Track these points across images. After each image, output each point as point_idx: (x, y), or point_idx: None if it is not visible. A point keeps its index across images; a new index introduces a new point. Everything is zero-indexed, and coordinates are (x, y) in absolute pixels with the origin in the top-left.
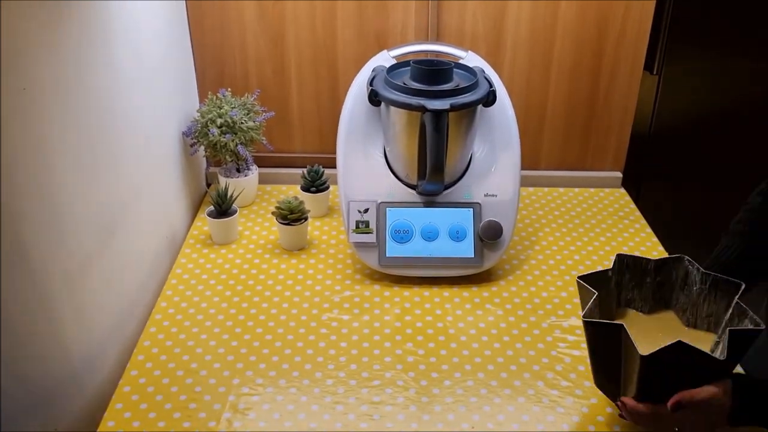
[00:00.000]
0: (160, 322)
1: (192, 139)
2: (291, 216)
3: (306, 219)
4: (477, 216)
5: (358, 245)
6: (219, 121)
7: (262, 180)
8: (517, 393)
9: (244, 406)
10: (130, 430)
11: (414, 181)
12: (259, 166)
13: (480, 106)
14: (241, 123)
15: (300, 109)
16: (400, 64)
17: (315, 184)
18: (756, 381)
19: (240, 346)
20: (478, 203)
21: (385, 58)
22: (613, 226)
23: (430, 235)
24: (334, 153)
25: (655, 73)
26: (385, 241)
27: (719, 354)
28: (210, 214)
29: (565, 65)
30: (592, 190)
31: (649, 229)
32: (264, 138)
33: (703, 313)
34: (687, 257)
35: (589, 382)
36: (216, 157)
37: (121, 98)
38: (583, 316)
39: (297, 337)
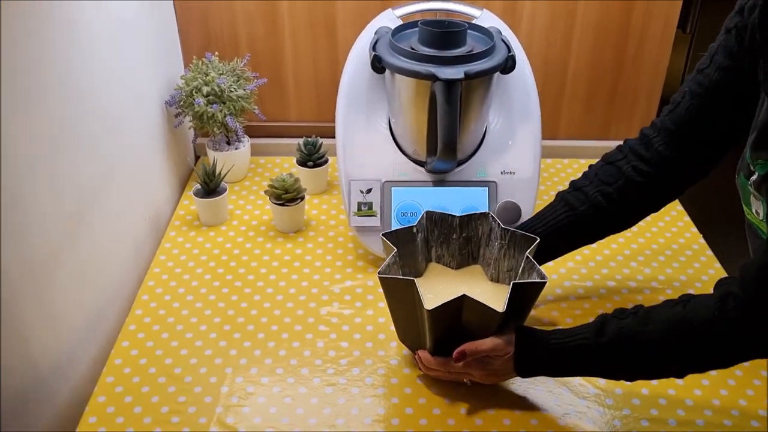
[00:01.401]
0: (141, 319)
1: (176, 108)
2: (285, 196)
3: (302, 198)
4: (492, 196)
5: (361, 230)
6: (205, 89)
7: (255, 152)
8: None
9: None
10: (114, 429)
11: (422, 157)
12: (251, 137)
13: (497, 73)
14: (230, 91)
15: (295, 74)
16: (406, 25)
17: (312, 158)
18: (537, 331)
19: (229, 346)
20: (493, 182)
21: (389, 18)
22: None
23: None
24: (333, 121)
25: (688, 32)
26: (390, 224)
27: (501, 307)
28: (197, 194)
29: (590, 23)
30: None
31: (679, 206)
32: (256, 107)
33: (504, 267)
34: (492, 213)
35: None
36: (203, 128)
37: (91, 62)
38: (379, 273)
39: (292, 335)
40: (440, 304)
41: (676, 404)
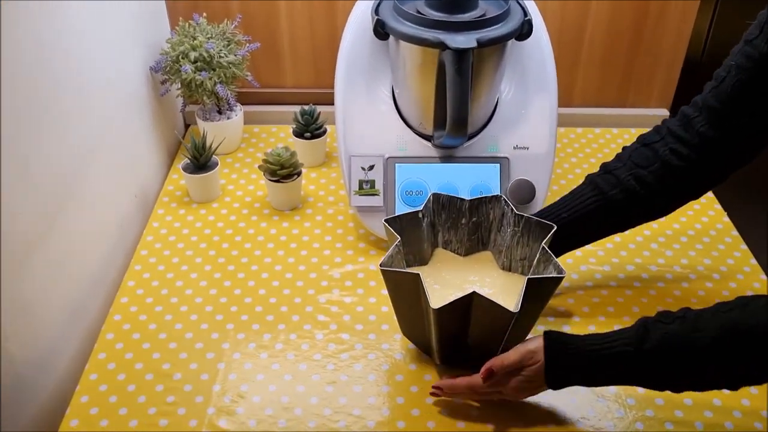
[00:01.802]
0: (126, 308)
1: (162, 75)
2: (281, 172)
3: (299, 174)
4: (504, 173)
5: (362, 210)
6: (192, 55)
7: (248, 120)
8: None
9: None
10: (97, 426)
11: (429, 131)
12: (243, 104)
13: (511, 40)
14: (220, 57)
15: (291, 37)
16: None
17: (309, 129)
18: (569, 336)
19: (221, 338)
20: (505, 158)
21: None
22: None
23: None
24: (332, 88)
25: None
26: (394, 204)
27: (514, 306)
28: (186, 169)
29: None
30: (633, 131)
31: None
32: (248, 73)
33: (517, 255)
34: (504, 196)
35: None
36: (192, 97)
37: (66, 25)
38: (381, 265)
39: (290, 326)
40: (447, 303)
41: (702, 405)
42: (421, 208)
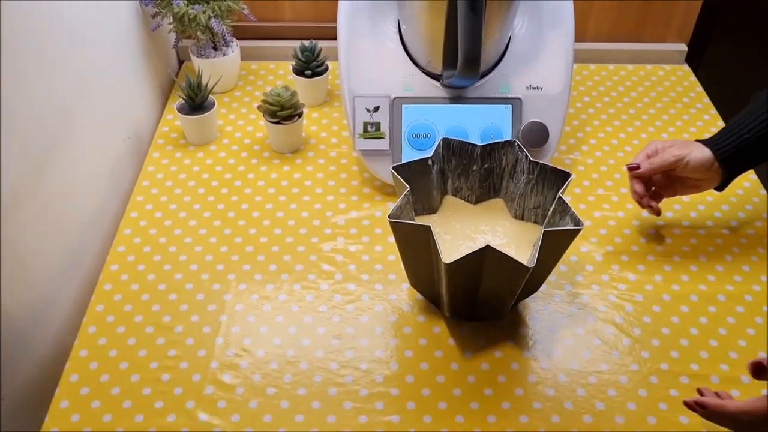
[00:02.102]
0: (123, 257)
1: (153, 8)
2: (281, 113)
3: (300, 115)
4: (517, 115)
5: (367, 153)
6: None
7: (245, 56)
8: (550, 336)
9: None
10: (98, 389)
11: (438, 69)
12: (240, 39)
13: None
14: None
15: None
16: None
17: (310, 67)
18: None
19: (223, 289)
20: (518, 98)
21: None
22: (677, 118)
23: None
24: (334, 22)
25: None
26: (400, 147)
27: (530, 260)
28: (181, 110)
29: None
30: (649, 67)
31: (721, 122)
32: (245, 6)
33: (530, 204)
34: (518, 142)
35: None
36: (185, 32)
37: None
38: (389, 216)
39: (293, 276)
40: (460, 257)
41: (718, 359)
42: (430, 154)
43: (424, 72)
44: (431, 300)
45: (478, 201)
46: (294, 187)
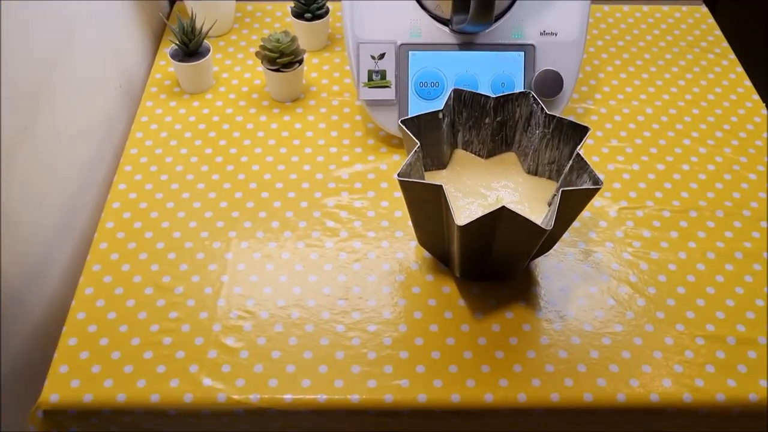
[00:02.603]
0: (119, 214)
1: None
2: (281, 60)
3: (301, 62)
4: (530, 63)
5: (372, 103)
6: None
7: None
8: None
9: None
10: (98, 351)
11: (446, 13)
12: None
13: None
14: None
15: None
16: None
17: (310, 9)
18: None
19: (224, 248)
20: (531, 45)
21: None
22: (694, 64)
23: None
24: None
25: None
26: (407, 97)
27: (546, 221)
28: (174, 56)
29: None
30: (665, 8)
31: (739, 68)
32: None
33: (545, 159)
34: (533, 93)
35: None
36: None
37: None
38: (398, 175)
39: (297, 233)
40: (474, 219)
41: (735, 318)
42: (440, 106)
43: (432, 16)
44: (441, 259)
45: (489, 155)
46: (295, 139)
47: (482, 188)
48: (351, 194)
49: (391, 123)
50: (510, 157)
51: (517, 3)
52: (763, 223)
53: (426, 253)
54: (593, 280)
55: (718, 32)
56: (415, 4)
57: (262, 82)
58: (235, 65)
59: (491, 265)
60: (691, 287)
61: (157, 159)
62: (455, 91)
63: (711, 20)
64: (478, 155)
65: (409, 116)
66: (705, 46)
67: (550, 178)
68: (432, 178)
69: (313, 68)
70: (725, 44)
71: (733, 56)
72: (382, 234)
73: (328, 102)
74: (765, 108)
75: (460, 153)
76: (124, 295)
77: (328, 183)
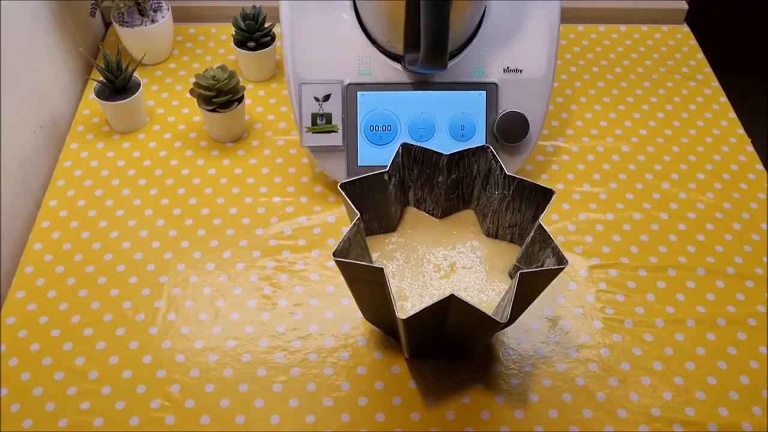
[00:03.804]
0: (31, 280)
1: None
2: (218, 99)
3: (241, 100)
4: (492, 103)
5: (317, 150)
6: None
7: (180, 16)
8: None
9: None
10: None
11: (400, 49)
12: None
13: None
14: None
15: None
16: None
17: (253, 37)
18: None
19: (148, 321)
20: (493, 83)
21: None
22: (674, 93)
23: (422, 133)
24: None
25: None
26: (356, 142)
27: (501, 311)
28: (100, 94)
29: None
30: (645, 28)
31: (723, 98)
32: None
33: (505, 222)
34: (491, 149)
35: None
36: None
37: None
38: (334, 254)
39: (230, 302)
40: (418, 310)
41: (716, 401)
42: (387, 167)
43: (382, 52)
44: (389, 333)
45: (444, 215)
46: (234, 186)
47: (435, 255)
48: (293, 253)
49: (339, 171)
50: (467, 216)
51: (478, 36)
52: (748, 282)
53: (374, 326)
54: (560, 356)
55: (700, 55)
56: (365, 38)
57: (202, 119)
58: (172, 99)
59: (444, 345)
60: (669, 362)
61: (78, 213)
62: (404, 145)
63: (693, 42)
64: (432, 214)
65: (350, 179)
66: (686, 72)
67: (511, 241)
68: (379, 243)
69: (258, 101)
70: (708, 69)
71: (716, 83)
72: (326, 302)
73: (273, 142)
74: (750, 144)
75: (411, 212)
76: (31, 381)
77: (269, 240)
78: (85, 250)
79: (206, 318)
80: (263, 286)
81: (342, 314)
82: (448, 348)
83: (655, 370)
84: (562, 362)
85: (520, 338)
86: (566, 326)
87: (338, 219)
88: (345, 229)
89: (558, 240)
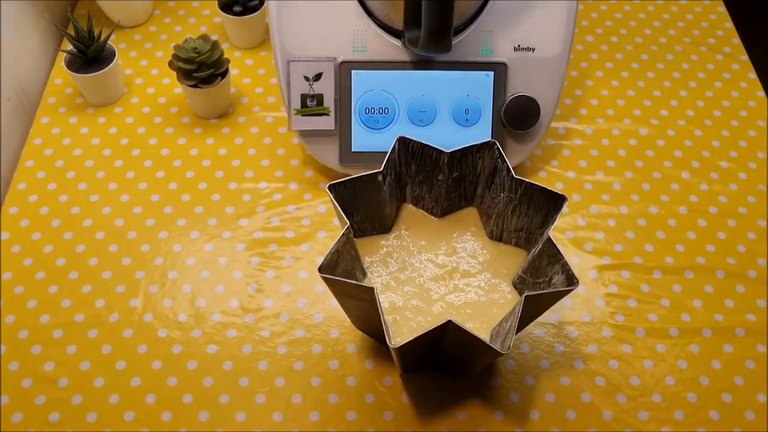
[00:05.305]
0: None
1: None
2: (199, 74)
3: (225, 74)
4: (500, 85)
5: (307, 134)
6: None
7: None
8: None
9: None
10: None
11: (399, 23)
12: None
13: None
14: None
15: None
16: None
17: (240, 1)
18: None
19: (122, 322)
20: (502, 63)
21: None
22: (699, 68)
23: (422, 117)
24: None
25: None
26: (349, 126)
27: (503, 343)
28: (71, 66)
29: None
30: (660, 1)
31: (752, 74)
32: None
33: (511, 226)
34: (497, 145)
35: None
36: None
37: None
38: (320, 270)
39: (211, 301)
40: (414, 337)
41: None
42: (381, 167)
43: (380, 26)
44: (381, 342)
45: (444, 213)
46: (218, 170)
47: (434, 260)
48: (280, 246)
49: (331, 157)
50: (469, 215)
51: (486, 10)
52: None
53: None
54: (565, 368)
55: (729, 24)
56: (361, 11)
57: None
58: (151, 67)
59: (440, 365)
60: (682, 377)
61: (48, 197)
62: (401, 139)
63: (722, 8)
64: (431, 213)
65: (339, 180)
66: (713, 44)
67: (517, 245)
68: (372, 246)
69: (245, 71)
70: (736, 40)
71: (745, 57)
72: (314, 304)
73: (261, 119)
74: None
75: (409, 209)
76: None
77: (254, 232)
78: (56, 240)
79: (185, 320)
80: (248, 283)
81: (331, 317)
82: (445, 367)
83: (667, 385)
84: (567, 375)
85: (523, 347)
86: (572, 334)
87: (329, 209)
88: (335, 221)
89: (567, 236)
